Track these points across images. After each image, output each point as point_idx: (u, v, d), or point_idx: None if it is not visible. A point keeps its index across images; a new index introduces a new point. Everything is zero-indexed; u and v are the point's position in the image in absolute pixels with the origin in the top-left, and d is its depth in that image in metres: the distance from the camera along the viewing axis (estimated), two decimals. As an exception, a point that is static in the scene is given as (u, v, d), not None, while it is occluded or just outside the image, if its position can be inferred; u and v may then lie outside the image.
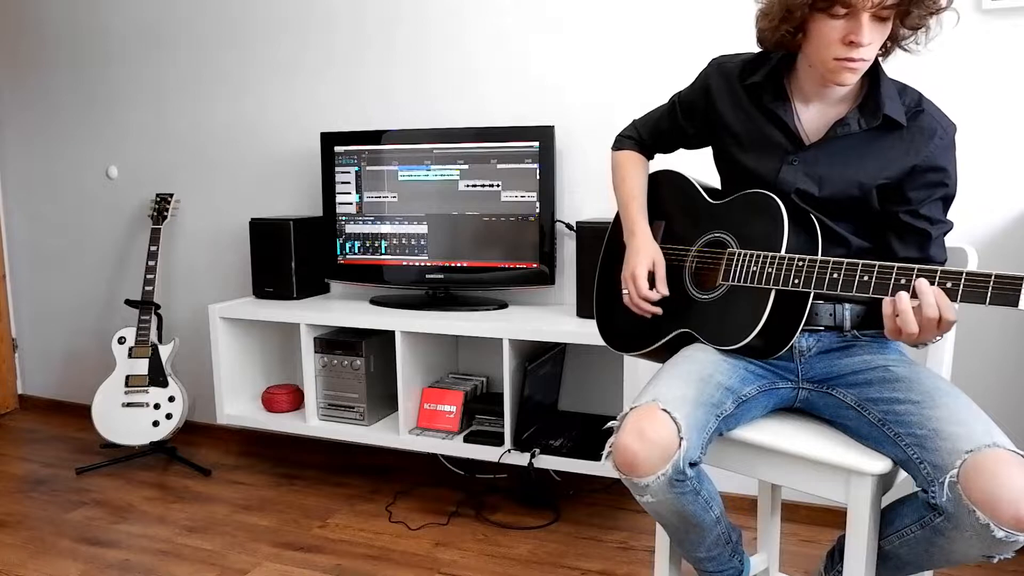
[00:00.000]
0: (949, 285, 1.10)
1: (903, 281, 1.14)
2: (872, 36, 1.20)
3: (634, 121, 1.62)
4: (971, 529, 1.07)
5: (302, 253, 2.55)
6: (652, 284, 1.44)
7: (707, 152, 1.53)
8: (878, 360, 1.32)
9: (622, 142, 1.62)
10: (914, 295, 1.13)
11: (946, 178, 1.31)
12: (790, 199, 1.35)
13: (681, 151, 1.62)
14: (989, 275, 1.06)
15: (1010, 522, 1.03)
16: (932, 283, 1.11)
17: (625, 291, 1.46)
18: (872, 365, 1.32)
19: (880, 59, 1.32)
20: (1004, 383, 2.01)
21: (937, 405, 1.19)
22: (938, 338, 1.18)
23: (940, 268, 1.12)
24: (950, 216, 1.35)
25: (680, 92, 1.54)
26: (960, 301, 1.10)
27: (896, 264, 1.15)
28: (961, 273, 1.09)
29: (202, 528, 2.27)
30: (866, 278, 1.18)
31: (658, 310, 1.44)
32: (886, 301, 1.16)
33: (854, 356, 1.35)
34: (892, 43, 1.28)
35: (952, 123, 1.32)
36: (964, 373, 1.98)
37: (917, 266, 1.13)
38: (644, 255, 1.45)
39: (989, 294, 1.06)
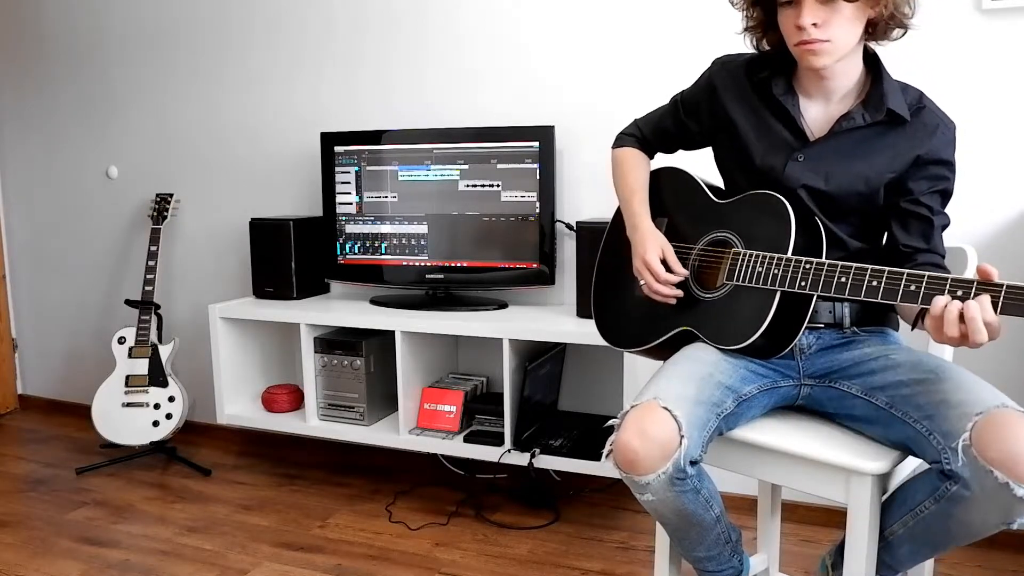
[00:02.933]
0: (960, 293, 1.09)
1: (912, 287, 1.14)
2: (819, 16, 1.23)
3: (636, 120, 1.62)
4: (990, 491, 1.05)
5: (302, 253, 2.55)
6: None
7: (707, 152, 1.53)
8: (879, 351, 1.33)
9: (623, 139, 1.62)
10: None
11: (948, 171, 1.32)
12: (796, 195, 1.35)
13: (681, 151, 1.62)
14: (1000, 285, 1.06)
15: None
16: (968, 296, 1.08)
17: (642, 281, 1.44)
18: (873, 355, 1.32)
19: (876, 48, 1.33)
20: (1004, 384, 2.01)
21: (942, 380, 1.19)
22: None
23: (950, 276, 1.11)
24: (948, 214, 1.35)
25: (682, 92, 1.54)
26: None
27: (905, 271, 1.15)
28: (972, 282, 1.08)
29: (202, 528, 2.27)
30: (875, 283, 1.18)
31: (679, 292, 1.41)
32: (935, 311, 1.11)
33: (854, 350, 1.35)
34: (876, 28, 1.28)
35: (952, 121, 1.34)
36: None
37: (927, 273, 1.13)
38: (652, 242, 1.44)
39: (1000, 304, 1.05)
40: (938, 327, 1.10)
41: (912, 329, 1.23)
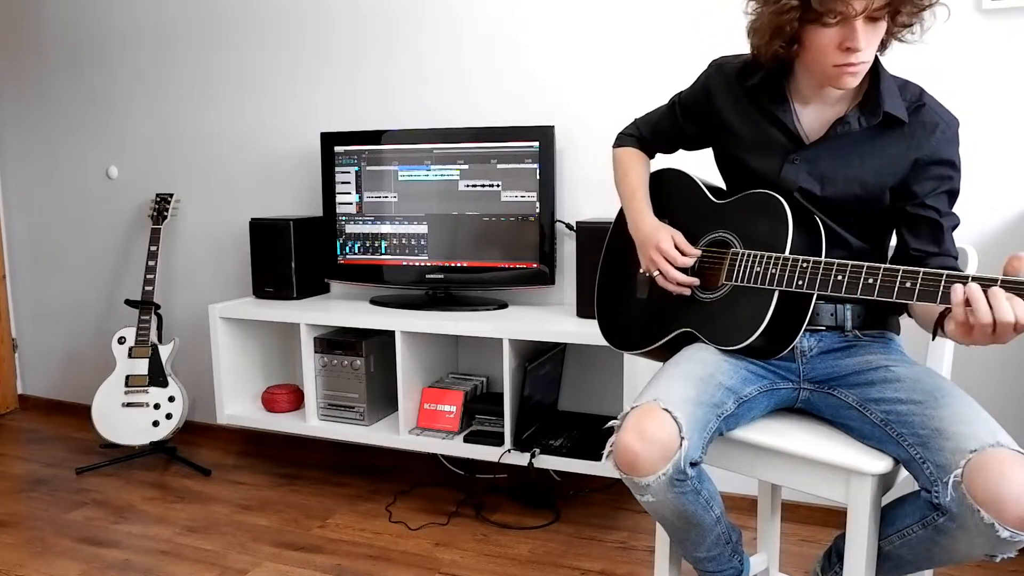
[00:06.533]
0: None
1: (908, 284, 1.14)
2: (868, 39, 1.20)
3: (636, 120, 1.63)
4: (975, 529, 1.07)
5: (302, 253, 2.55)
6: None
7: (708, 152, 1.53)
8: (880, 360, 1.32)
9: (623, 139, 1.62)
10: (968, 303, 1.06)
11: (951, 171, 1.30)
12: (793, 198, 1.34)
13: (682, 151, 1.62)
14: (995, 279, 1.05)
15: (1015, 521, 1.03)
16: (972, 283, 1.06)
17: (656, 272, 1.43)
18: (874, 365, 1.32)
19: (879, 55, 1.31)
20: (1004, 384, 2.01)
21: (940, 405, 1.19)
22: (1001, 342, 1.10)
23: (946, 273, 1.10)
24: (957, 214, 1.34)
25: (680, 93, 1.54)
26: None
27: (901, 267, 1.15)
28: (967, 278, 1.08)
29: (202, 528, 2.27)
30: (871, 281, 1.18)
31: (695, 280, 1.40)
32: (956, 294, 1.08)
33: (855, 356, 1.35)
34: (888, 36, 1.27)
35: (954, 117, 1.31)
36: (964, 375, 1.98)
37: (923, 270, 1.12)
38: (662, 231, 1.43)
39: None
40: (963, 320, 1.06)
41: (933, 338, 1.21)
